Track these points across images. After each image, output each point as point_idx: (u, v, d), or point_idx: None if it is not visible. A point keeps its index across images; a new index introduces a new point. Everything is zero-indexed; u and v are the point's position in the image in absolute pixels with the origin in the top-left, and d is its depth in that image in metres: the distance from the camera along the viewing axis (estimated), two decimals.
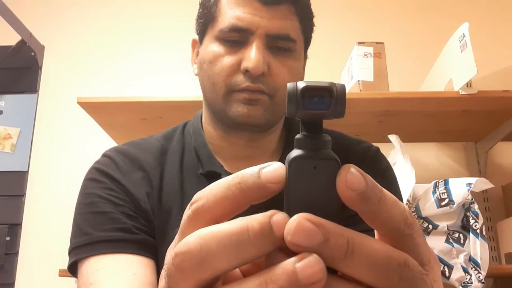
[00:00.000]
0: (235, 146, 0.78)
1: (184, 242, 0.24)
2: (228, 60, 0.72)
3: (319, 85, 0.24)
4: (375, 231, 0.26)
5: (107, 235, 0.68)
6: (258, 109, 0.72)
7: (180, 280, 0.24)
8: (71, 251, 0.70)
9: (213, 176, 0.74)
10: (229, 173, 0.74)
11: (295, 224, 0.23)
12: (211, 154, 0.77)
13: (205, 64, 0.74)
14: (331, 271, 0.23)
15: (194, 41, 0.82)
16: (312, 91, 0.24)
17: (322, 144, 0.25)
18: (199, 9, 0.78)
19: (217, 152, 0.78)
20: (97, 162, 0.77)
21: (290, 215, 0.23)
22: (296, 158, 0.24)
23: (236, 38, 0.72)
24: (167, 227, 0.71)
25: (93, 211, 0.70)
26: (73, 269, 0.70)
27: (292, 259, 0.23)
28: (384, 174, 0.79)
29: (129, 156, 0.76)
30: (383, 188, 0.25)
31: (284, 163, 0.25)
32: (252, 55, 0.70)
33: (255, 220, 0.23)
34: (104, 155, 0.78)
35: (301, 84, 0.24)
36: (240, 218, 0.24)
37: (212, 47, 0.74)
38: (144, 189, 0.73)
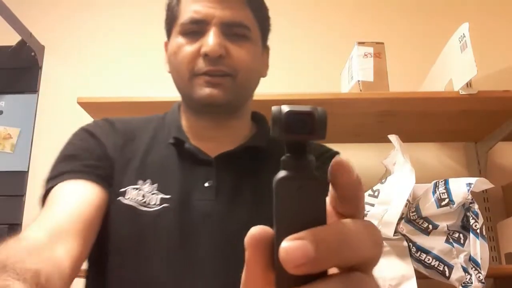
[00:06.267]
0: (203, 128, 0.86)
1: None
2: (190, 48, 0.80)
3: (302, 110, 0.26)
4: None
5: (71, 169, 0.78)
6: (219, 90, 0.79)
7: None
8: (44, 186, 0.80)
9: (179, 143, 0.82)
10: (193, 145, 0.82)
11: (284, 252, 0.24)
12: (180, 127, 0.85)
13: (171, 57, 0.83)
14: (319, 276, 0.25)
15: (166, 44, 0.90)
16: (295, 115, 0.26)
17: (306, 165, 0.26)
18: (165, 14, 0.87)
19: (187, 132, 0.86)
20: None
21: (279, 233, 0.25)
22: (281, 179, 0.26)
23: (195, 29, 0.80)
24: (123, 178, 0.79)
25: (66, 154, 0.81)
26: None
27: None
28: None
29: (113, 125, 0.86)
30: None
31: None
32: (210, 40, 0.77)
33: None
34: (94, 121, 0.88)
35: (285, 109, 0.26)
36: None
37: (176, 40, 0.82)
38: (115, 141, 0.83)
